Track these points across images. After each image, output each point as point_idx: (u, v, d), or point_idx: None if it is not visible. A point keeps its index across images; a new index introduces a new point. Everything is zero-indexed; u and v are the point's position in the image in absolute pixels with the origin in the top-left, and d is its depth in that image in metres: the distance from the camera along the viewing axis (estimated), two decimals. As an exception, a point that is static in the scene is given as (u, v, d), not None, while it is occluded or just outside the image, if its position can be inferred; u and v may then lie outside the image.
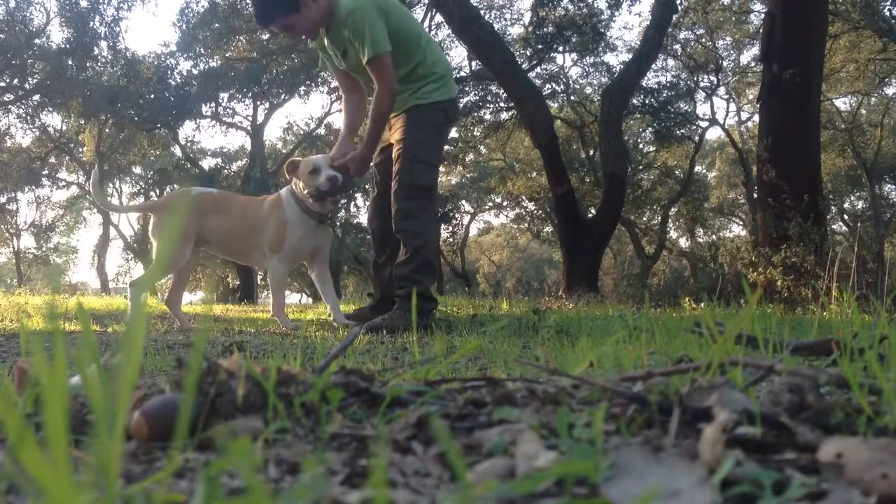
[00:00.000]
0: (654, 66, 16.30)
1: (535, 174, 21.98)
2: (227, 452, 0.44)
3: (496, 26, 16.91)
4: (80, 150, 22.11)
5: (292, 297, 30.12)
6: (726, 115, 40.69)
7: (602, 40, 17.72)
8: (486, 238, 35.73)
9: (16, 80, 17.22)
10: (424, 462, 0.62)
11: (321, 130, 22.46)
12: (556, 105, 19.76)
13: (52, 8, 19.07)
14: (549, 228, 23.99)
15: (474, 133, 19.11)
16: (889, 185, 25.43)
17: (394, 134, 3.76)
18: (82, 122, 18.80)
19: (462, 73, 16.27)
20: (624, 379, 0.87)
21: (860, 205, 26.11)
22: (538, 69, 18.20)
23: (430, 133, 3.71)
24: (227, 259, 4.36)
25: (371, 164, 3.85)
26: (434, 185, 3.83)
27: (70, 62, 16.40)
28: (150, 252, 3.93)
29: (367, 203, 4.14)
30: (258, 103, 19.79)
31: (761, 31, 9.54)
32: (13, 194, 23.52)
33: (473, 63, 15.94)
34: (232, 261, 4.64)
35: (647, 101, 18.12)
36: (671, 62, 20.63)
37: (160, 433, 0.71)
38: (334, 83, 18.36)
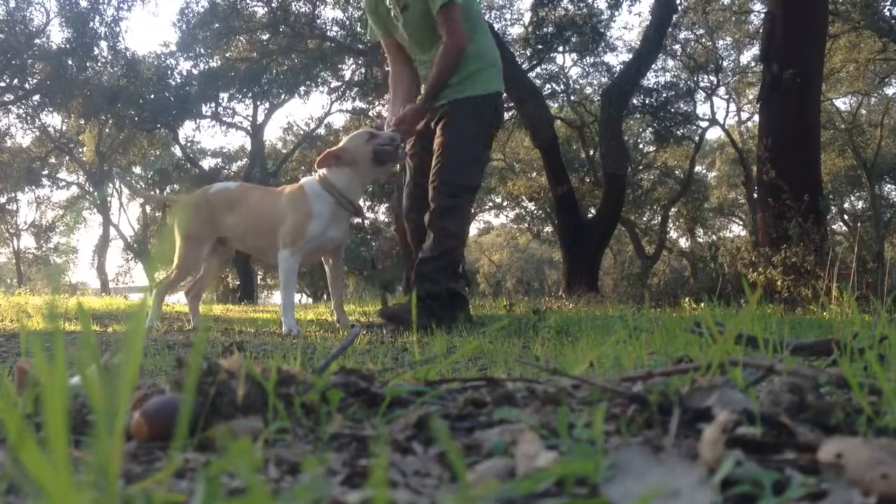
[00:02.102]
0: (654, 66, 16.30)
1: (535, 174, 21.99)
2: (227, 452, 0.44)
3: (496, 26, 16.92)
4: (80, 150, 22.12)
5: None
6: (726, 115, 40.73)
7: (602, 40, 17.71)
8: (486, 238, 35.72)
9: (16, 80, 17.22)
10: (424, 462, 0.62)
11: (321, 130, 22.46)
12: (556, 105, 19.76)
13: (52, 8, 19.11)
14: (549, 228, 23.98)
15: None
16: (889, 185, 25.45)
17: (438, 123, 3.53)
18: (82, 122, 18.80)
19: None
20: (624, 379, 0.86)
21: (860, 205, 26.13)
22: (538, 69, 18.20)
23: (482, 129, 3.52)
24: (255, 256, 4.11)
25: (407, 152, 3.62)
26: (479, 185, 3.63)
27: (70, 62, 16.40)
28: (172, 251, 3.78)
29: (403, 195, 3.89)
30: (258, 103, 19.79)
31: (761, 31, 9.54)
32: (13, 194, 23.55)
33: (473, 63, 15.90)
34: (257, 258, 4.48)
35: (647, 101, 18.12)
36: (671, 62, 20.66)
37: (160, 433, 0.71)
38: (334, 83, 18.31)
